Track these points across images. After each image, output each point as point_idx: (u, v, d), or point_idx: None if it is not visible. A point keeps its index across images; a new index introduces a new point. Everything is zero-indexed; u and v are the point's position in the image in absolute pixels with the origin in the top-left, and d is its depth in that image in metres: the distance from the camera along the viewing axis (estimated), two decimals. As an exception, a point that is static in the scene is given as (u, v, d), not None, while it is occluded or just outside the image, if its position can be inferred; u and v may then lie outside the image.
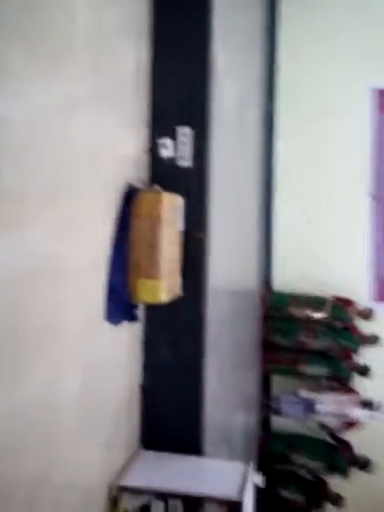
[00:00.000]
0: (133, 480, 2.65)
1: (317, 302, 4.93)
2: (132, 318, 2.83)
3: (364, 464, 4.65)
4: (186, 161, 2.81)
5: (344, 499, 4.71)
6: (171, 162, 2.84)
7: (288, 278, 5.27)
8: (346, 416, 4.60)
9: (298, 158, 5.35)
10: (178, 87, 2.89)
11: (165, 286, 2.65)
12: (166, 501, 2.61)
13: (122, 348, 2.77)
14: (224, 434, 3.67)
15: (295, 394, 4.76)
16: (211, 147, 2.90)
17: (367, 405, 4.60)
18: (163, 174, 2.85)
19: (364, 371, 4.80)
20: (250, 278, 4.76)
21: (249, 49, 4.37)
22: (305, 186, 5.36)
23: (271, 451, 4.91)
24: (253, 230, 4.76)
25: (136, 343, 2.93)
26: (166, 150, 2.81)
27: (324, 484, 4.80)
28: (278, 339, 4.97)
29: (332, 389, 4.81)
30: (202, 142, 2.83)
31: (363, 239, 5.30)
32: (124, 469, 2.71)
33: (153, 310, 2.93)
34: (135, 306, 2.84)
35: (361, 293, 5.17)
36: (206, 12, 2.85)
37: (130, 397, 2.83)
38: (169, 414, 2.95)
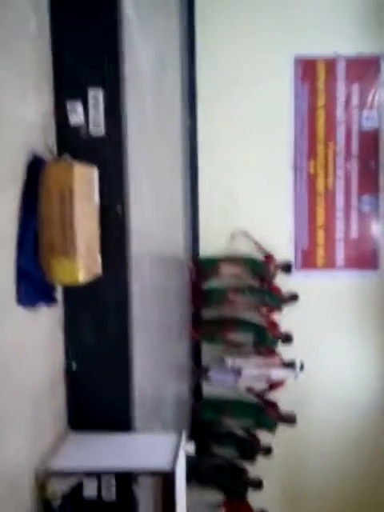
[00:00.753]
0: (60, 462, 2.57)
1: (244, 261, 5.12)
2: (49, 300, 2.61)
3: (290, 420, 5.06)
4: (99, 127, 2.55)
5: (273, 450, 5.08)
6: (82, 128, 2.58)
7: (213, 249, 5.28)
8: (269, 378, 4.93)
9: (218, 130, 5.23)
10: (88, 45, 2.61)
11: (82, 266, 2.44)
12: (98, 478, 2.59)
13: (41, 331, 2.59)
14: (156, 407, 3.64)
15: (223, 362, 5.00)
16: (127, 112, 2.66)
17: (289, 366, 4.93)
18: (74, 142, 2.59)
19: (287, 339, 5.08)
20: (177, 249, 4.67)
21: (166, 14, 4.11)
22: (227, 157, 5.28)
23: (203, 418, 5.15)
24: (178, 201, 4.61)
25: (57, 326, 2.76)
26: (76, 114, 2.53)
27: (255, 439, 5.12)
28: (207, 303, 5.15)
29: (257, 353, 5.05)
30: (116, 106, 2.58)
31: (286, 210, 5.37)
32: (51, 452, 2.62)
33: (73, 290, 2.73)
34: (52, 288, 2.62)
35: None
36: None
37: (52, 379, 2.70)
38: (97, 395, 2.87)
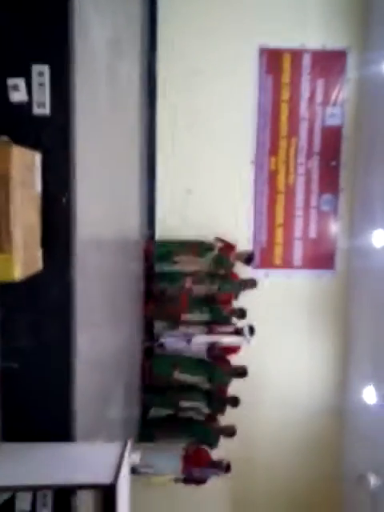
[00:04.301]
0: None
1: (201, 248, 5.02)
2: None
3: (242, 372, 5.04)
4: (43, 106, 2.30)
5: (240, 400, 5.03)
6: (25, 107, 2.31)
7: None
8: (221, 343, 4.94)
9: (178, 121, 5.03)
10: (34, 18, 2.34)
11: (19, 260, 2.19)
12: (33, 493, 2.45)
13: None
14: (102, 406, 3.46)
15: (176, 331, 5.02)
16: (76, 91, 2.41)
17: (239, 332, 4.96)
18: (14, 122, 2.32)
19: (242, 314, 5.04)
20: (131, 234, 4.48)
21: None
22: (186, 149, 5.08)
23: (157, 373, 5.04)
24: (134, 192, 4.39)
25: None
26: (18, 92, 2.27)
27: (222, 390, 5.08)
28: (163, 287, 5.03)
29: (211, 331, 5.02)
30: (63, 84, 2.33)
31: (245, 208, 5.24)
32: None
33: (8, 287, 2.45)
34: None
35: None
36: None
37: None
38: (33, 402, 2.64)
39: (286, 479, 5.45)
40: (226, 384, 5.06)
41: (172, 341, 4.98)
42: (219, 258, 5.00)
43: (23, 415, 2.62)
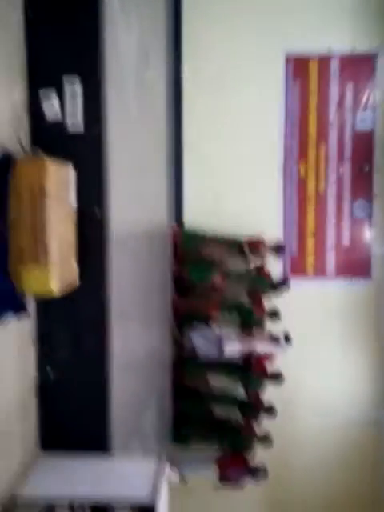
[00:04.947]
0: (29, 488, 2.36)
1: (230, 244, 4.86)
2: (18, 311, 2.34)
3: (276, 377, 4.81)
4: (76, 120, 2.29)
5: (276, 409, 4.82)
6: (59, 122, 2.31)
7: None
8: (254, 352, 4.73)
9: (204, 129, 5.00)
10: (66, 31, 2.35)
11: (56, 275, 2.17)
12: (71, 508, 2.36)
13: (9, 346, 2.37)
14: (137, 417, 3.42)
15: (207, 330, 4.77)
16: (107, 105, 2.40)
17: (274, 340, 4.73)
18: (49, 137, 2.32)
19: (274, 315, 4.85)
20: (161, 242, 4.42)
21: (152, 5, 3.87)
22: (213, 158, 5.03)
23: (189, 378, 4.90)
24: (163, 196, 4.37)
25: (28, 340, 2.54)
26: (52, 107, 2.27)
27: (256, 398, 4.88)
28: (191, 281, 4.84)
29: (245, 337, 4.79)
30: (95, 98, 2.32)
31: (274, 216, 5.15)
32: (21, 476, 2.41)
33: (48, 302, 2.46)
34: (22, 298, 2.34)
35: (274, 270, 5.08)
36: None
37: (22, 397, 2.50)
38: (71, 413, 2.65)
39: (321, 490, 5.31)
40: (260, 390, 4.88)
41: (202, 344, 4.78)
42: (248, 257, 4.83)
43: (62, 426, 2.62)
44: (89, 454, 2.63)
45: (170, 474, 2.86)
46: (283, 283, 4.91)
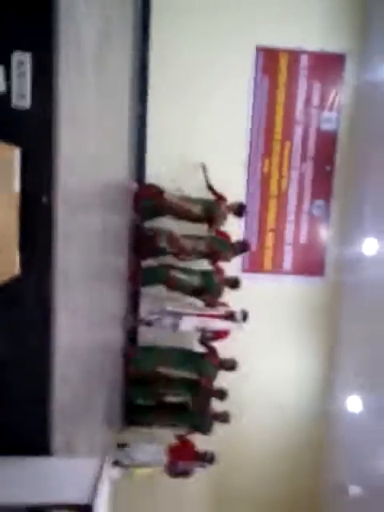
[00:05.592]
0: None
1: (193, 202, 4.71)
2: None
3: (230, 366, 4.83)
4: (23, 98, 2.11)
5: (227, 393, 4.87)
6: (3, 99, 2.13)
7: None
8: (211, 327, 4.68)
9: (170, 119, 4.87)
10: (17, 3, 2.16)
11: (-7, 265, 2.01)
12: None
13: None
14: (83, 413, 3.28)
15: (163, 309, 4.67)
16: (60, 82, 2.23)
17: (230, 317, 4.65)
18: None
19: (235, 284, 4.76)
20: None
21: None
22: (178, 149, 4.93)
23: (142, 368, 4.83)
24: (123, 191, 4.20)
25: None
26: (-3, 81, 2.08)
27: (208, 381, 4.86)
28: (154, 237, 4.70)
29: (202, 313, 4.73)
30: (46, 74, 2.15)
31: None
32: None
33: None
34: None
35: (232, 265, 5.01)
36: None
37: None
38: (9, 416, 2.46)
39: (268, 481, 5.44)
40: (213, 376, 4.86)
41: (159, 319, 4.66)
42: (210, 205, 4.64)
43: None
44: (28, 457, 2.50)
45: (111, 471, 2.76)
46: (242, 246, 4.81)
